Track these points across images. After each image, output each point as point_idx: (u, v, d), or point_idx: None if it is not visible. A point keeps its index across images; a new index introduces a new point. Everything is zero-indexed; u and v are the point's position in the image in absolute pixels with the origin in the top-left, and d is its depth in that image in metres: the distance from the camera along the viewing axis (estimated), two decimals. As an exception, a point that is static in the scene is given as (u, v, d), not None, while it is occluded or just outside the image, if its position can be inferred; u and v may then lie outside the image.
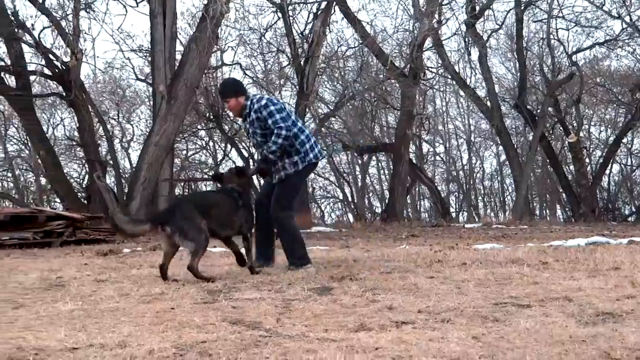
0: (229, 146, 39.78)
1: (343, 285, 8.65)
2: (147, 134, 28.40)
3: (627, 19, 33.90)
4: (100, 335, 6.03)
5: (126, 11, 28.99)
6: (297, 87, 30.01)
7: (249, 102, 10.68)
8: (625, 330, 5.81)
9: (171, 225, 9.18)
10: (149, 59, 29.80)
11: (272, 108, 10.50)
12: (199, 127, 39.36)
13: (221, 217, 9.74)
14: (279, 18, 30.21)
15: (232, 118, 37.39)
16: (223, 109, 33.05)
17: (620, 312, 6.54)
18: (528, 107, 35.26)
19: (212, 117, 35.15)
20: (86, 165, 33.64)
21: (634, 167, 44.91)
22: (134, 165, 31.62)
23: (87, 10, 27.97)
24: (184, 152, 42.78)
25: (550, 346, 5.37)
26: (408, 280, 8.86)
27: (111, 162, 31.58)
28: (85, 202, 28.57)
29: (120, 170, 34.38)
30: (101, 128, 31.55)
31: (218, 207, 9.81)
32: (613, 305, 6.87)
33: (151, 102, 30.29)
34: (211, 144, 42.72)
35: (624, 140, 40.85)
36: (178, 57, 27.24)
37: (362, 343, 5.55)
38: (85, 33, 27.65)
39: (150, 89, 30.34)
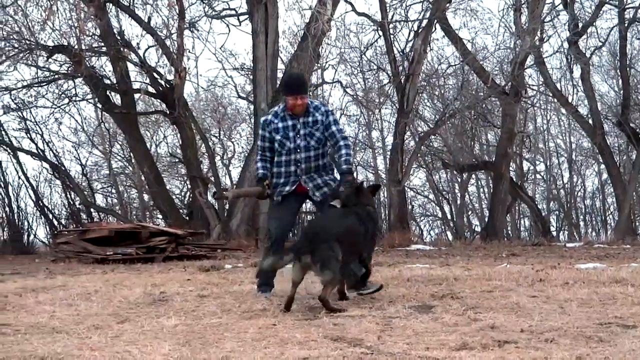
0: (329, 164, 39.85)
1: (444, 303, 8.64)
2: (248, 151, 28.66)
3: None
4: (204, 351, 6.13)
5: (229, 30, 29.28)
6: (397, 105, 29.97)
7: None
8: None
9: (314, 257, 8.56)
10: (251, 77, 30.09)
11: (335, 116, 10.29)
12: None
13: (353, 246, 8.97)
14: (379, 36, 30.25)
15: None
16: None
17: None
18: (631, 125, 34.65)
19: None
20: (188, 182, 34.07)
21: None
22: (235, 182, 31.94)
23: (191, 29, 28.38)
24: (283, 169, 43.02)
25: (656, 367, 5.31)
26: (510, 299, 8.81)
27: (212, 179, 31.90)
28: (187, 218, 28.99)
29: (222, 187, 34.72)
30: (203, 145, 31.90)
31: (353, 234, 9.01)
32: None
33: (252, 120, 30.58)
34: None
35: None
36: (279, 75, 27.49)
37: (464, 362, 5.55)
38: (189, 52, 28.10)
39: (252, 107, 30.62)
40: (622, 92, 35.52)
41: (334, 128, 9.91)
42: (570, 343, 6.19)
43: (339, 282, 8.85)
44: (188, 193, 35.78)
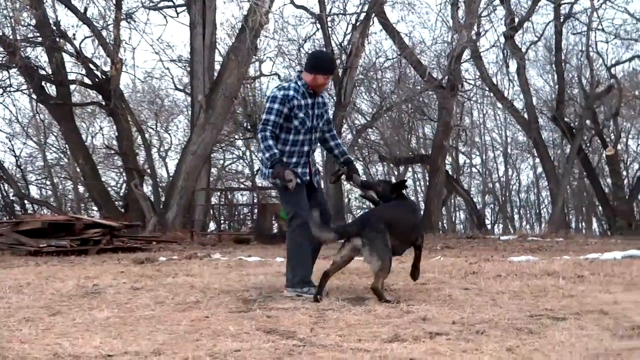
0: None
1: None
2: (185, 143, 28.57)
3: (668, 31, 33.74)
4: (136, 343, 6.09)
5: (166, 21, 29.30)
6: (335, 98, 30.03)
7: None
8: (663, 345, 5.79)
9: (363, 239, 8.46)
10: (188, 69, 30.03)
11: None
12: (236, 137, 39.51)
13: (404, 235, 8.92)
14: (317, 29, 30.29)
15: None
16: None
17: (656, 326, 6.51)
18: (566, 119, 35.05)
19: (249, 127, 35.25)
20: (124, 174, 33.89)
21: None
22: (171, 174, 31.83)
23: (128, 20, 28.23)
24: (221, 161, 42.99)
25: (585, 359, 5.36)
26: (442, 292, 8.86)
27: (149, 170, 31.77)
28: (123, 210, 28.83)
29: (158, 179, 34.58)
30: (139, 137, 31.74)
31: (405, 223, 9.01)
32: (649, 319, 6.84)
33: (189, 112, 30.52)
34: (248, 153, 42.90)
35: (662, 153, 40.62)
36: (217, 67, 27.42)
37: (395, 354, 5.57)
38: (126, 43, 27.93)
39: (189, 99, 30.57)
40: (557, 86, 35.91)
41: (329, 114, 9.81)
42: (500, 335, 6.23)
43: (389, 271, 8.63)
44: (124, 185, 35.58)
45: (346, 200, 40.59)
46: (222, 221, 33.53)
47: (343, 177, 9.77)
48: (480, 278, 10.25)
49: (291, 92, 9.22)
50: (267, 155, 9.07)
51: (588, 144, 39.05)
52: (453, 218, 47.13)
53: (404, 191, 9.79)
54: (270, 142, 9.09)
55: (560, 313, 7.28)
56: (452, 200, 44.49)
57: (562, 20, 33.47)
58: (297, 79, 9.40)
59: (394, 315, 7.28)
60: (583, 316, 7.09)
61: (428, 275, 10.79)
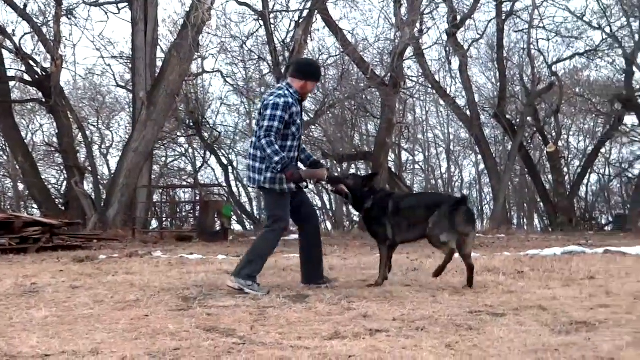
0: (208, 153, 39.76)
1: (318, 293, 8.66)
2: (127, 140, 28.38)
3: (607, 29, 34.11)
4: (73, 342, 6.01)
5: (108, 18, 29.06)
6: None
7: None
8: (599, 339, 5.83)
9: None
10: (130, 65, 29.80)
11: None
12: (178, 134, 39.34)
13: None
14: (260, 26, 30.16)
15: (211, 125, 37.38)
16: (199, 118, 32.99)
17: (594, 322, 6.57)
18: (507, 116, 35.33)
19: (191, 124, 35.11)
20: (64, 172, 33.60)
21: (612, 177, 45.11)
22: (113, 172, 31.60)
23: (69, 16, 27.98)
24: (164, 159, 42.77)
25: (524, 355, 5.39)
26: (384, 288, 8.90)
27: (90, 168, 31.52)
28: (63, 208, 28.57)
29: (99, 177, 34.33)
30: (80, 134, 31.48)
31: None
32: (587, 315, 6.91)
33: (131, 109, 30.30)
34: (190, 151, 42.73)
35: (602, 150, 41.04)
36: (159, 64, 27.27)
37: (335, 351, 5.55)
38: (66, 39, 27.69)
39: (131, 96, 30.36)
40: (499, 84, 36.16)
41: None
42: (440, 331, 6.25)
43: None
44: (64, 183, 35.27)
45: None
46: (164, 219, 33.35)
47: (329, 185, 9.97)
48: (421, 275, 10.31)
49: (290, 100, 9.34)
50: (276, 159, 9.07)
51: (529, 141, 39.36)
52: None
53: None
54: (277, 147, 9.13)
55: (500, 309, 7.33)
56: (396, 197, 44.57)
57: (503, 18, 33.72)
58: (288, 87, 9.51)
59: (335, 313, 7.28)
60: (522, 312, 7.15)
61: (370, 272, 10.84)
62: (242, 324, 6.74)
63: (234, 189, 41.47)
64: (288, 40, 29.37)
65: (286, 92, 9.44)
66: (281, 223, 9.45)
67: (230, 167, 40.85)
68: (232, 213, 28.49)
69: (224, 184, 39.20)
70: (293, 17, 29.47)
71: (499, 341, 5.81)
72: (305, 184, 9.47)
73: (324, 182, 10.08)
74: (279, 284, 9.48)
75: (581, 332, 6.14)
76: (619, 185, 46.15)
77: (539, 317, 6.82)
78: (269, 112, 9.22)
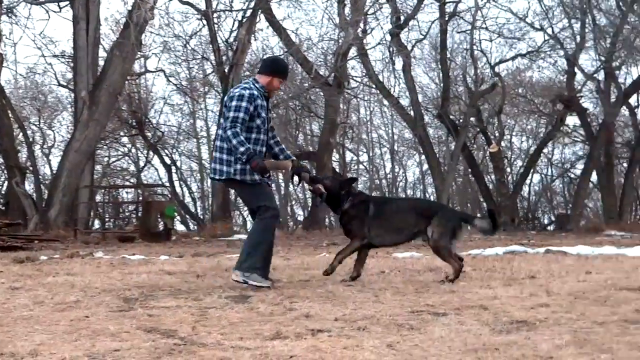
0: (151, 153, 39.55)
1: (261, 293, 8.63)
2: (68, 140, 28.14)
3: (549, 31, 34.41)
4: (12, 344, 5.92)
5: (49, 16, 28.64)
6: (221, 94, 29.91)
7: None
8: (538, 338, 5.86)
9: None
10: (72, 64, 29.53)
11: None
12: (121, 133, 39.09)
13: None
14: (203, 25, 30.13)
15: (154, 125, 37.19)
16: (142, 116, 32.79)
17: (534, 321, 6.60)
18: (451, 117, 35.49)
19: (134, 123, 34.89)
20: (5, 172, 33.21)
21: (554, 177, 45.55)
22: (54, 172, 31.32)
23: (9, 14, 27.67)
24: (106, 158, 42.46)
25: (464, 354, 5.40)
26: (326, 288, 8.88)
27: (31, 168, 31.23)
28: (3, 208, 28.28)
29: (40, 177, 34.01)
30: (21, 134, 31.16)
31: None
32: (527, 314, 6.95)
33: (73, 108, 30.05)
34: (134, 150, 42.47)
35: (545, 151, 41.41)
36: (101, 63, 27.08)
37: (276, 351, 5.53)
38: (7, 38, 27.38)
39: (72, 95, 30.09)
40: (442, 84, 36.31)
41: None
42: (382, 331, 6.25)
43: None
44: (5, 183, 34.88)
45: (233, 197, 40.52)
46: (106, 219, 33.15)
47: (295, 177, 9.97)
48: (363, 274, 10.27)
49: (255, 92, 9.52)
50: (241, 149, 9.19)
51: (472, 141, 39.64)
52: (340, 215, 47.26)
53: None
54: (242, 137, 9.26)
55: (441, 308, 7.35)
56: (340, 197, 44.61)
57: (447, 18, 33.88)
58: (254, 82, 9.72)
59: (277, 313, 7.26)
60: (463, 311, 7.18)
61: (312, 272, 10.85)
62: (184, 324, 6.70)
63: (178, 189, 41.32)
64: (231, 39, 29.35)
65: (252, 85, 9.63)
66: (269, 211, 9.54)
67: (173, 167, 40.68)
68: (175, 213, 28.38)
69: (167, 184, 39.04)
70: (236, 16, 29.51)
71: (439, 340, 5.82)
72: (269, 176, 9.69)
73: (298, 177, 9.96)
74: (220, 285, 9.45)
75: (521, 331, 6.17)
76: (561, 185, 46.62)
77: (480, 317, 6.85)
78: (234, 103, 9.38)
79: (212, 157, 9.95)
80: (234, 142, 9.23)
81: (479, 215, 8.80)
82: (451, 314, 7.05)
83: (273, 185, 28.15)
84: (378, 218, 9.92)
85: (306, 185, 10.32)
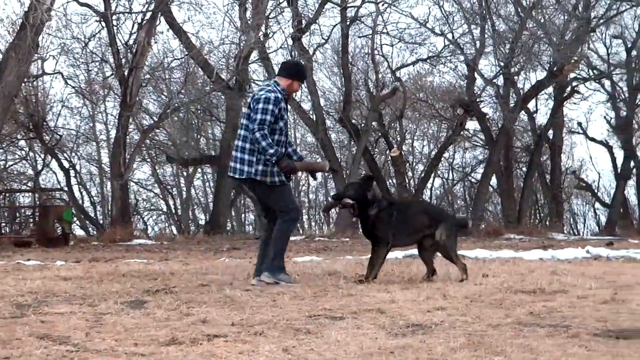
0: (49, 157, 38.94)
1: (157, 298, 8.53)
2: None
3: (450, 36, 34.77)
4: None
5: (-59, 17, 28.05)
6: (121, 97, 29.61)
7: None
8: (434, 341, 5.90)
9: None
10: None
11: None
12: (18, 137, 38.40)
13: None
14: (102, 27, 29.76)
15: (52, 128, 36.64)
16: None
17: (430, 324, 6.65)
18: (352, 121, 35.64)
19: (31, 127, 34.32)
20: None
21: (455, 181, 46.09)
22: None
23: None
24: (3, 162, 41.71)
25: (359, 358, 5.41)
26: (224, 293, 8.82)
27: None
28: None
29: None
30: None
31: None
32: (424, 317, 7.00)
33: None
34: (31, 154, 41.77)
35: (446, 155, 41.87)
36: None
37: (171, 357, 5.49)
38: None
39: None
40: (344, 88, 36.44)
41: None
42: (278, 335, 6.23)
43: None
44: None
45: (133, 202, 40.20)
46: (2, 224, 32.58)
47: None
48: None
49: (279, 95, 9.97)
50: (271, 151, 9.71)
51: (374, 145, 39.87)
52: (243, 219, 47.25)
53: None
54: (270, 140, 9.78)
55: (339, 312, 7.36)
56: (242, 201, 44.57)
57: (348, 23, 34.02)
58: (276, 84, 10.16)
59: (173, 318, 7.18)
60: (360, 315, 7.19)
61: (211, 277, 10.79)
62: (77, 330, 6.58)
63: (77, 193, 40.80)
64: (131, 42, 29.07)
65: (274, 87, 10.05)
66: (292, 213, 10.21)
67: (72, 171, 40.14)
68: (73, 218, 28.00)
69: (66, 188, 38.50)
70: (136, 19, 29.21)
71: (335, 344, 5.82)
72: (290, 178, 10.23)
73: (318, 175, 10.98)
74: (117, 290, 9.31)
75: (417, 335, 6.21)
76: (462, 189, 47.19)
77: (377, 320, 6.87)
78: (261, 105, 9.81)
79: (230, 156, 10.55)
80: (263, 144, 9.69)
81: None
82: (348, 317, 7.06)
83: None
84: (400, 222, 10.34)
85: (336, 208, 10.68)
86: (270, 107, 9.79)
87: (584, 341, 5.93)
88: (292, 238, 25.39)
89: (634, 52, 38.34)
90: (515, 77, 36.39)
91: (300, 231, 38.25)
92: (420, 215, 10.63)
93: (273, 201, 10.20)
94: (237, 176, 10.13)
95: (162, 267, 12.90)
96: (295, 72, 10.39)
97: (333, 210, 10.51)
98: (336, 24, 34.25)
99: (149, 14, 28.27)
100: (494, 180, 38.79)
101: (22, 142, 39.98)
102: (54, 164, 39.98)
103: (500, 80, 35.83)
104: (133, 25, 29.47)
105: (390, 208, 10.40)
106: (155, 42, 30.46)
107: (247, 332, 6.38)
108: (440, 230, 10.33)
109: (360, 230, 11.14)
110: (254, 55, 31.61)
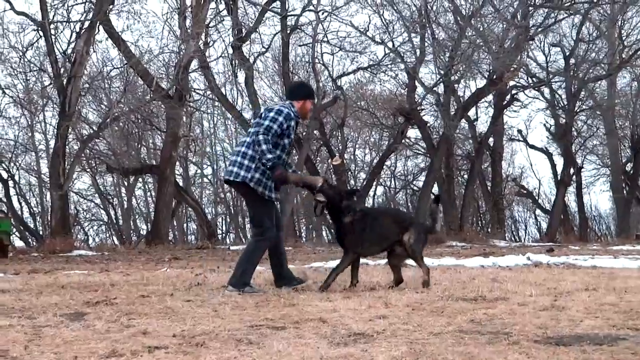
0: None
1: (97, 310, 8.43)
2: None
3: (390, 44, 34.94)
4: None
5: None
6: (60, 107, 29.36)
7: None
8: (375, 350, 5.88)
9: None
10: None
11: None
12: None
13: None
14: (40, 37, 29.49)
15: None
16: None
17: (372, 333, 6.63)
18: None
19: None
20: None
21: (397, 189, 46.26)
22: None
23: None
24: None
25: (301, 367, 5.38)
26: (165, 304, 8.74)
27: None
28: None
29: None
30: None
31: None
32: (365, 326, 6.98)
33: None
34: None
35: (387, 163, 42.06)
36: None
37: (110, 369, 5.42)
38: None
39: None
40: (285, 97, 36.40)
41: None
42: (220, 346, 6.18)
43: None
44: None
45: (74, 212, 39.85)
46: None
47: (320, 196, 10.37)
48: (204, 289, 10.23)
49: (292, 113, 10.16)
50: (269, 156, 9.76)
51: (316, 154, 39.92)
52: (185, 229, 47.07)
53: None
54: (271, 146, 9.84)
55: (280, 322, 7.32)
56: (184, 211, 44.41)
57: (288, 32, 34.05)
58: (291, 105, 10.30)
59: (114, 330, 7.10)
60: (302, 325, 7.16)
61: (152, 288, 10.68)
62: (16, 344, 6.47)
63: (16, 204, 40.42)
64: (70, 51, 28.84)
65: (290, 107, 10.22)
66: (267, 232, 10.21)
67: (11, 182, 39.78)
68: (12, 229, 27.70)
69: (4, 199, 38.15)
70: (74, 27, 29.00)
71: (277, 355, 5.78)
72: (277, 195, 10.35)
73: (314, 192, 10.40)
74: (56, 302, 9.19)
75: (359, 344, 6.19)
76: (404, 197, 47.40)
77: (319, 330, 6.84)
78: (271, 114, 9.97)
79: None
80: (264, 147, 9.74)
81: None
82: (290, 327, 7.02)
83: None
84: (372, 231, 10.44)
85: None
86: (281, 119, 9.94)
87: (524, 348, 5.96)
88: (233, 247, 25.53)
89: (572, 60, 38.86)
90: (456, 85, 36.71)
91: (244, 240, 38.20)
92: (391, 224, 10.71)
93: (256, 212, 10.28)
94: (231, 178, 10.14)
95: (102, 278, 12.78)
96: (305, 92, 10.65)
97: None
98: (276, 33, 34.33)
99: (87, 23, 28.08)
100: (435, 188, 39.00)
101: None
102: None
103: (440, 89, 36.13)
104: (71, 34, 29.28)
105: (364, 218, 10.49)
106: (94, 51, 30.26)
107: (188, 344, 6.32)
108: (408, 234, 10.48)
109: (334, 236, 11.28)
110: (194, 64, 31.53)
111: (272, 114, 9.95)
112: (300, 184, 10.90)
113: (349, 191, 10.95)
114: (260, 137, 9.77)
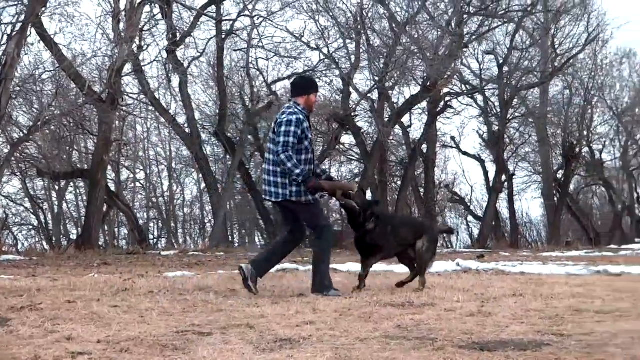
0: None
1: (22, 315, 8.33)
2: None
3: (325, 50, 34.95)
4: None
5: None
6: (-10, 110, 28.99)
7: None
8: (301, 356, 5.89)
9: None
10: None
11: None
12: None
13: None
14: (-31, 38, 29.10)
15: None
16: None
17: (298, 338, 6.65)
18: (228, 135, 35.56)
19: None
20: None
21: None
22: None
23: None
24: None
25: (226, 374, 5.35)
26: (91, 310, 8.66)
27: None
28: None
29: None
30: None
31: None
32: (292, 332, 6.99)
33: None
34: None
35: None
36: None
37: (32, 376, 5.34)
38: None
39: None
40: (219, 102, 36.34)
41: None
42: (145, 352, 6.15)
43: None
44: None
45: (3, 216, 39.39)
46: None
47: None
48: (131, 295, 10.15)
49: (301, 116, 10.43)
50: (297, 172, 10.18)
51: (250, 160, 39.83)
52: (116, 234, 46.68)
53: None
54: (295, 160, 10.24)
55: (207, 328, 7.30)
56: (115, 216, 44.05)
57: (223, 36, 33.94)
58: (295, 105, 10.62)
59: (37, 336, 7.01)
60: (229, 330, 7.15)
61: (79, 293, 10.58)
62: None
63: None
64: (0, 53, 28.46)
65: (295, 109, 10.50)
66: (327, 229, 10.86)
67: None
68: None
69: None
70: (5, 29, 28.59)
71: (202, 360, 5.76)
72: (323, 194, 10.85)
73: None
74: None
75: (285, 349, 6.19)
76: (337, 203, 47.42)
77: (245, 335, 6.83)
78: (283, 128, 10.26)
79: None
80: (289, 165, 10.16)
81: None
82: (217, 333, 7.01)
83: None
84: (394, 235, 11.18)
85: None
86: (292, 129, 10.24)
87: (449, 353, 6.00)
88: (164, 253, 25.40)
89: (505, 68, 39.23)
90: (390, 92, 36.82)
91: (175, 246, 38.00)
92: (408, 229, 11.64)
93: (307, 218, 10.72)
94: (273, 199, 10.62)
95: (29, 283, 12.62)
96: (307, 86, 10.95)
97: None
98: (211, 38, 34.18)
99: (19, 25, 27.73)
100: (369, 194, 39.05)
101: None
102: None
103: (375, 95, 36.22)
104: (2, 36, 28.88)
105: (385, 223, 11.14)
106: (26, 54, 29.86)
107: (112, 349, 6.27)
108: (422, 241, 11.27)
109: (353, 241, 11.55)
110: (128, 67, 31.28)
111: (283, 128, 10.26)
112: (335, 191, 10.92)
113: (374, 200, 12.10)
114: (282, 156, 10.15)
